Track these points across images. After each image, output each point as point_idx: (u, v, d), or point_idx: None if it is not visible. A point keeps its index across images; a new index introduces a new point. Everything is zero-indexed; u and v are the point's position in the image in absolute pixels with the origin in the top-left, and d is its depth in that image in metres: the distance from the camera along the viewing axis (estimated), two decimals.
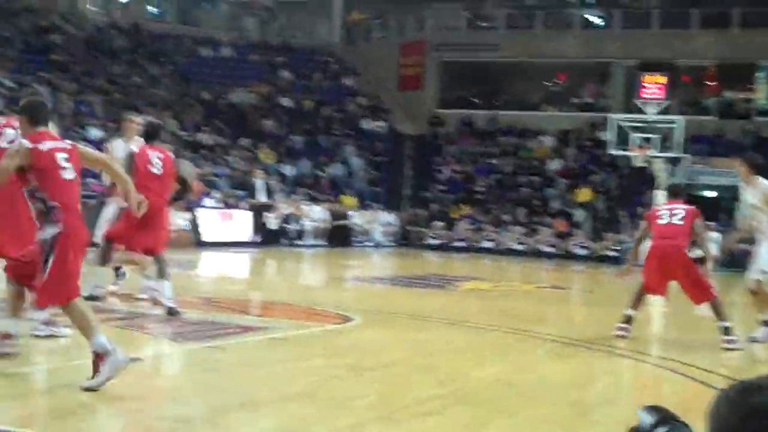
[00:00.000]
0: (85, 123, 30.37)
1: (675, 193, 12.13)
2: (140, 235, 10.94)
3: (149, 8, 45.72)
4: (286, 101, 40.29)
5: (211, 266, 22.61)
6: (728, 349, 10.63)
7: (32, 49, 34.75)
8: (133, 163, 11.04)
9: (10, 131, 8.83)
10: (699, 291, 11.14)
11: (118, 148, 12.12)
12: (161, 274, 11.08)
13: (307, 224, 31.18)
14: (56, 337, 8.78)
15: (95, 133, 29.83)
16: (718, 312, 10.97)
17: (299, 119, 39.41)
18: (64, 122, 29.25)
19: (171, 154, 11.40)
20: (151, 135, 11.54)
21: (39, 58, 34.29)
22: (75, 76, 34.17)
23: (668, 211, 11.43)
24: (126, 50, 39.71)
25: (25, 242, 7.42)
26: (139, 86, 37.14)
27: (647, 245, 11.59)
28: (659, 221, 11.38)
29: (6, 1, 37.29)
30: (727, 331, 10.83)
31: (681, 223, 11.20)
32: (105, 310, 10.90)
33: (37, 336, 8.72)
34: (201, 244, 25.78)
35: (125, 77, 37.19)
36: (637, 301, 11.29)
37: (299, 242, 30.35)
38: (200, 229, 26.67)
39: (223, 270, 21.82)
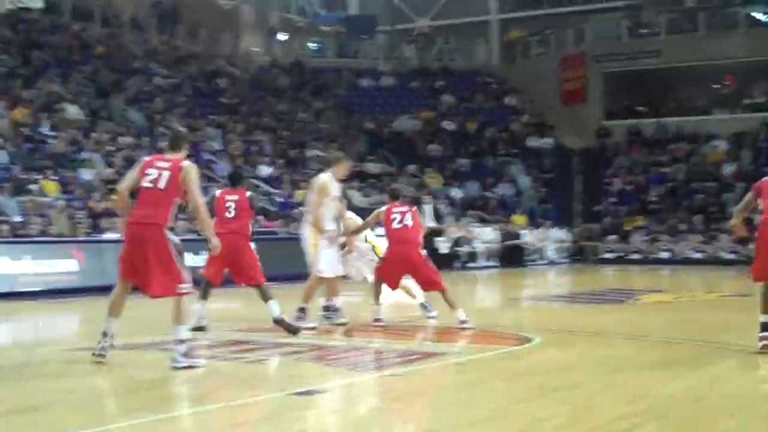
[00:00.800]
0: (256, 161, 31.04)
1: None
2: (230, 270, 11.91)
3: (309, 44, 46.57)
4: (449, 125, 40.34)
5: (385, 294, 22.63)
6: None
7: (201, 93, 35.78)
8: (213, 206, 11.84)
9: (152, 171, 9.14)
10: None
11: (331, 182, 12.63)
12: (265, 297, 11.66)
13: (479, 246, 31.03)
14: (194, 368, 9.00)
15: (266, 170, 30.47)
16: None
17: (464, 142, 39.39)
18: (235, 162, 29.98)
19: (247, 195, 12.14)
20: (234, 180, 12.58)
21: (208, 102, 35.30)
22: (243, 117, 35.01)
23: None
24: (289, 87, 40.53)
25: None
26: (305, 121, 37.83)
27: None
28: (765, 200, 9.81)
29: (173, 49, 38.59)
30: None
31: None
32: (284, 344, 11.02)
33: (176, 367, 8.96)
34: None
35: (291, 114, 37.95)
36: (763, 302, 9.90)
37: (472, 265, 30.21)
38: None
39: (397, 297, 21.82)
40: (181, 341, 9.02)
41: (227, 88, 37.42)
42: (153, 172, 9.18)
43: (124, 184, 9.49)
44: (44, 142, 25.92)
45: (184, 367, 8.92)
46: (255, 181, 29.40)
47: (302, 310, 12.41)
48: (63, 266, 19.85)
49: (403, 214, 13.14)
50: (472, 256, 30.67)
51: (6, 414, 6.72)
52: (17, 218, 21.39)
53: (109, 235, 21.49)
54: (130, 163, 26.20)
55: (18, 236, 20.70)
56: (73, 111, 28.26)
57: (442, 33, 47.42)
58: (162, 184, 9.10)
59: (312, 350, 10.63)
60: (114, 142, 27.44)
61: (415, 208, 13.79)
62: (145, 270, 9.06)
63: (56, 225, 21.30)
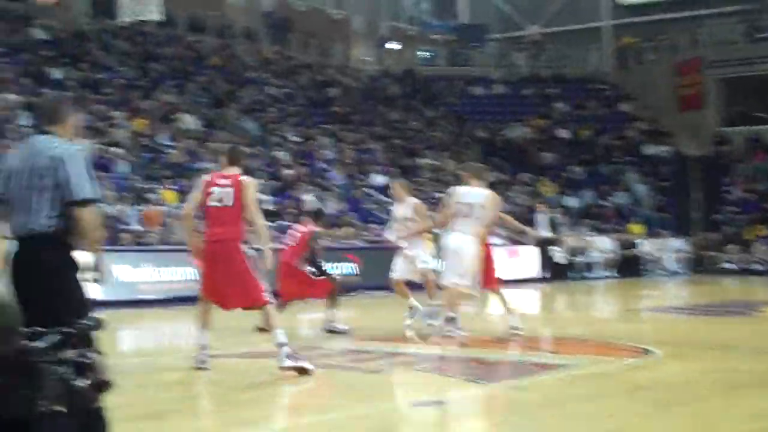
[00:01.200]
0: (368, 170, 31.15)
1: None
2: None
3: (420, 53, 46.63)
4: (562, 132, 39.97)
5: (500, 304, 22.46)
6: None
7: (313, 103, 36.09)
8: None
9: (216, 189, 9.37)
10: None
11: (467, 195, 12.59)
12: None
13: (595, 256, 30.61)
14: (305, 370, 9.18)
15: (378, 179, 30.56)
16: None
17: (578, 149, 38.98)
18: (348, 171, 30.17)
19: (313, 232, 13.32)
20: (316, 216, 13.91)
21: (320, 112, 35.57)
22: (355, 126, 35.19)
23: None
24: (401, 96, 40.62)
25: None
26: (417, 130, 37.87)
27: None
28: None
29: (285, 59, 39.05)
30: None
31: None
32: (402, 354, 11.00)
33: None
34: None
35: (402, 122, 38.02)
36: None
37: (588, 275, 29.82)
38: None
39: (514, 307, 21.62)
40: (282, 344, 9.17)
41: (339, 97, 37.69)
42: (217, 191, 9.44)
43: (189, 206, 9.77)
44: (163, 152, 26.41)
45: (291, 368, 9.07)
46: (367, 190, 29.52)
47: (451, 319, 12.44)
48: (182, 274, 20.11)
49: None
50: (589, 266, 30.27)
51: (131, 419, 6.82)
52: (137, 227, 21.83)
53: None
54: (245, 172, 26.65)
55: (138, 245, 21.13)
56: (189, 121, 28.75)
57: (554, 40, 47.02)
58: (229, 201, 9.37)
59: (430, 360, 10.58)
60: None
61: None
62: (224, 286, 9.38)
63: (175, 233, 21.64)
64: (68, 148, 5.65)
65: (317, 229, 13.44)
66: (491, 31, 47.56)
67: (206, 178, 9.75)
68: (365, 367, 10.18)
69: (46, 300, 5.26)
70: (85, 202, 5.55)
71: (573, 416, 7.57)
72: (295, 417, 7.85)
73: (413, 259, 13.52)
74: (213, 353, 9.66)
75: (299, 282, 12.95)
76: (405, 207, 13.69)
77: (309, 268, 13.13)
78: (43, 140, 5.70)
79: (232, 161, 9.77)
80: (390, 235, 14.26)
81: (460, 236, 12.04)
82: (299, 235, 13.29)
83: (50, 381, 3.37)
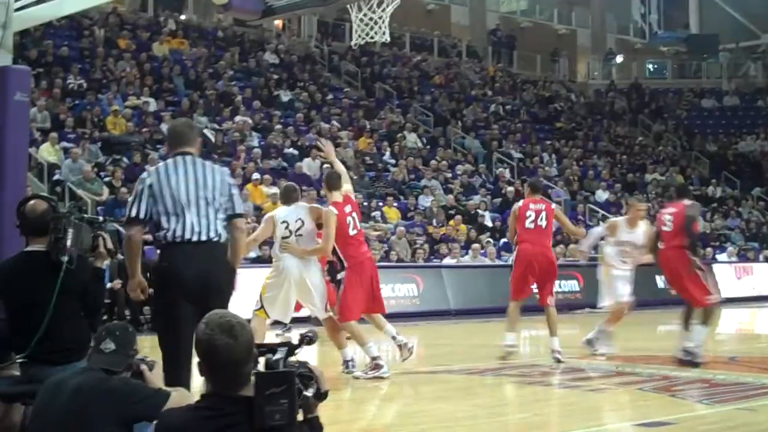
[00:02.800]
0: (593, 186, 30.59)
1: None
2: None
3: (647, 66, 45.67)
4: None
5: (731, 323, 21.62)
6: None
7: (537, 119, 35.79)
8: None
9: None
10: None
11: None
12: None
13: None
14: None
15: (602, 195, 29.98)
16: None
17: None
18: (572, 187, 29.69)
19: (685, 204, 11.62)
20: (678, 192, 13.53)
21: (544, 128, 35.23)
22: (579, 141, 34.67)
23: None
24: (627, 110, 39.87)
25: None
26: (643, 145, 37.05)
27: None
28: None
29: (509, 76, 38.98)
30: None
31: None
32: (624, 374, 10.66)
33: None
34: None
35: (628, 137, 37.30)
36: None
37: None
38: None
39: (745, 327, 20.80)
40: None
41: (564, 112, 37.27)
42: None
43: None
44: (386, 170, 26.71)
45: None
46: (591, 206, 28.99)
47: None
48: (404, 290, 20.19)
49: (538, 212, 11.86)
50: None
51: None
52: None
53: (448, 261, 21.79)
54: (467, 189, 26.70)
55: None
56: (412, 139, 29.01)
57: None
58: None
59: (654, 380, 10.19)
60: (452, 170, 27.89)
61: (554, 206, 12.71)
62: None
63: (396, 250, 21.80)
64: (227, 171, 6.66)
65: (688, 202, 11.68)
66: (723, 41, 45.96)
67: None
68: (588, 386, 9.93)
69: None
70: (242, 215, 6.50)
71: None
72: None
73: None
74: (442, 368, 9.63)
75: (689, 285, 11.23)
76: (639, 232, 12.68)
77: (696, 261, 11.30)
78: (199, 161, 6.40)
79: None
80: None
81: None
82: (671, 218, 11.33)
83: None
